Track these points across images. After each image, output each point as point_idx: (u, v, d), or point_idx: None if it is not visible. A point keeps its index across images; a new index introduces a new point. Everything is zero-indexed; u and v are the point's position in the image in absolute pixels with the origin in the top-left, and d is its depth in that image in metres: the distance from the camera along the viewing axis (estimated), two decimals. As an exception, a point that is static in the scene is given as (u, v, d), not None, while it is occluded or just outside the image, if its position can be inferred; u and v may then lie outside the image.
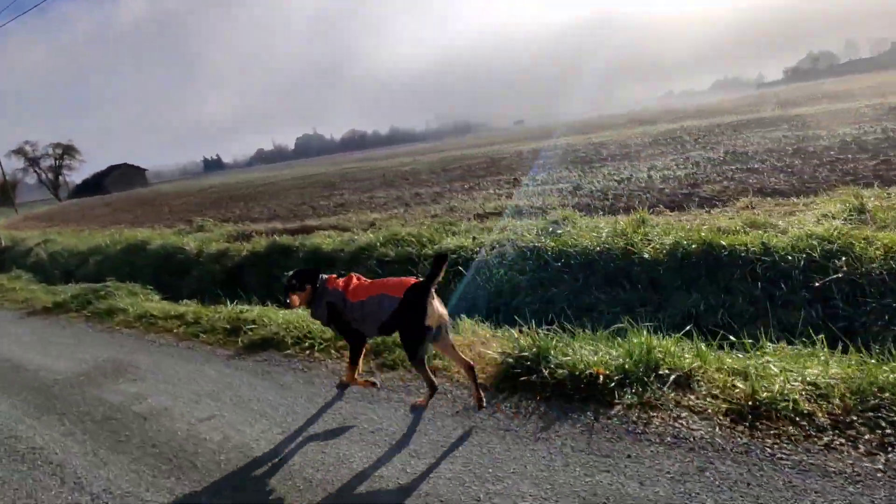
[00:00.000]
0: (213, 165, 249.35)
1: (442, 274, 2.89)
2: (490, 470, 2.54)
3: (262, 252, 7.68)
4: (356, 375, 3.37)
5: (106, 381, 4.32)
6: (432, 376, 3.11)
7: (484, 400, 3.04)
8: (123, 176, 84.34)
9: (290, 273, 3.25)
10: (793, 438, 2.41)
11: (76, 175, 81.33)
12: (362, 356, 3.42)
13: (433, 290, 2.90)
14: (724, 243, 4.43)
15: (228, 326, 5.04)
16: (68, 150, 74.54)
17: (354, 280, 3.21)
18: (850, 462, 2.22)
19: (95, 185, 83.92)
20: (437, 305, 2.93)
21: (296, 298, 3.15)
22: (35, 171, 73.48)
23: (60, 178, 76.06)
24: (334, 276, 3.29)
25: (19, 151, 71.02)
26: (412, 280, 3.00)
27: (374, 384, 3.45)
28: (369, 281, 3.24)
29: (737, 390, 2.78)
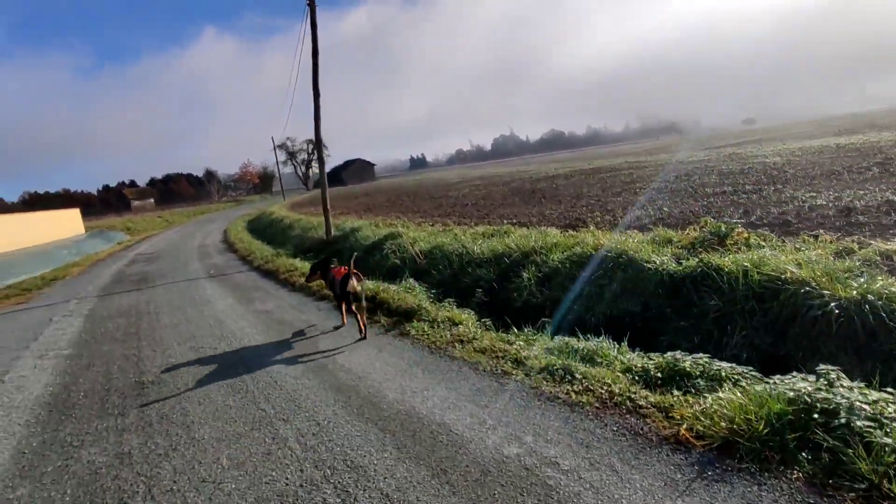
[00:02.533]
0: (418, 163, 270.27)
1: (353, 264, 5.58)
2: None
3: None
4: (344, 313, 6.10)
5: None
6: (347, 316, 6.07)
7: (367, 334, 5.44)
8: (358, 170, 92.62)
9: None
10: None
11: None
12: (343, 305, 5.93)
13: (353, 273, 5.49)
14: None
15: None
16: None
17: (342, 269, 5.78)
18: None
19: (333, 176, 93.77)
20: (354, 282, 5.44)
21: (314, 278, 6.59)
22: (292, 164, 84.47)
23: (310, 170, 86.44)
24: (334, 266, 6.20)
25: (282, 146, 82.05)
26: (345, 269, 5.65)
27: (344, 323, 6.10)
28: (340, 269, 5.94)
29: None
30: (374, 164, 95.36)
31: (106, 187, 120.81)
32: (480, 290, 6.70)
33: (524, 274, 6.67)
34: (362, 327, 5.43)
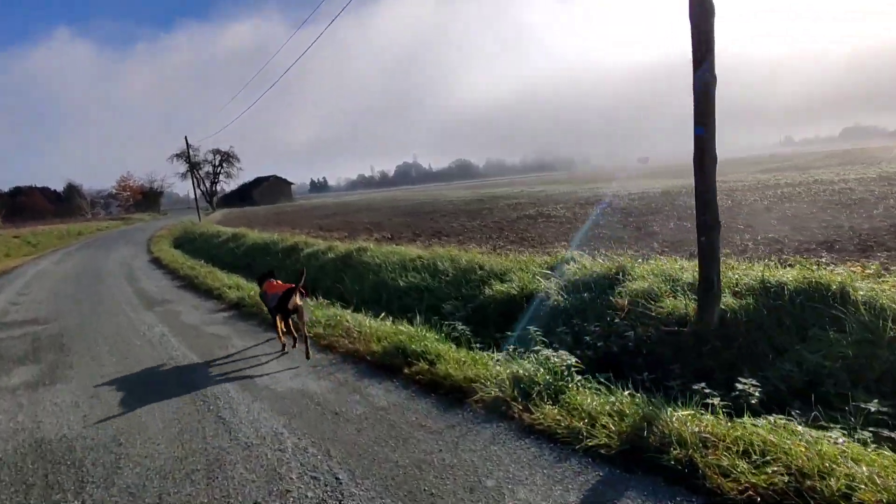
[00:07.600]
0: (319, 187, 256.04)
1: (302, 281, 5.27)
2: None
3: None
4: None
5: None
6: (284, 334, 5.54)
7: (310, 354, 5.02)
8: (271, 188, 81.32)
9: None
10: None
11: (230, 184, 78.68)
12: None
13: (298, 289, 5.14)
14: None
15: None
16: (228, 158, 71.79)
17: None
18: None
19: (242, 194, 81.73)
20: (297, 299, 5.11)
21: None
22: (196, 176, 71.07)
23: (217, 185, 73.53)
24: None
25: (181, 155, 68.74)
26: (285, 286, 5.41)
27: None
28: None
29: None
30: (292, 183, 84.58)
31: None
32: None
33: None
34: (307, 351, 5.20)
